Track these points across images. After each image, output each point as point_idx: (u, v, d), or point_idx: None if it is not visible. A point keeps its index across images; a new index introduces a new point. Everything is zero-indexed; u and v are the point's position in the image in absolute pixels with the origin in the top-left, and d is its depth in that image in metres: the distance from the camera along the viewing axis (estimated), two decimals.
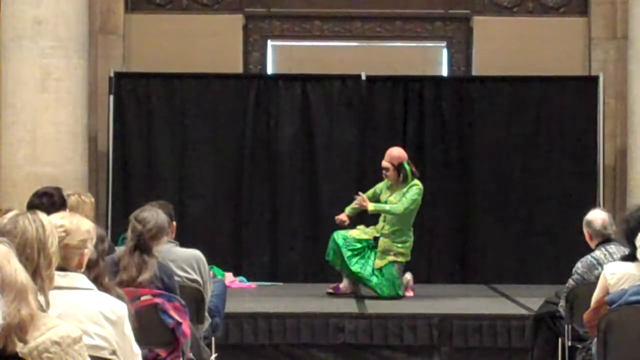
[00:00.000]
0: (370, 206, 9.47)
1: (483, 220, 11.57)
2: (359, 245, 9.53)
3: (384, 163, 9.56)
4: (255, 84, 11.66)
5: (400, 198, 9.46)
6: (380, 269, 9.50)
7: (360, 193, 9.63)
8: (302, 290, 10.28)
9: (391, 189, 9.58)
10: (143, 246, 5.50)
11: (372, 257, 9.54)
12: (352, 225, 9.72)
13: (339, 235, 9.56)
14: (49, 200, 6.15)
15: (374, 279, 9.50)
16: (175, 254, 6.25)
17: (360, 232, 9.60)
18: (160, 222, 5.65)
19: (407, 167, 9.51)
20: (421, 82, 11.67)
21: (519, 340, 8.32)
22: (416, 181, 9.54)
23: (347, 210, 9.69)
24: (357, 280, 9.64)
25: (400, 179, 9.49)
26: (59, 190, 6.66)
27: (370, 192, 9.74)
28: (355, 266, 9.48)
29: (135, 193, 11.09)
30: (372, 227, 9.66)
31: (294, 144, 11.58)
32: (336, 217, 9.65)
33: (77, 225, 3.84)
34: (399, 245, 9.54)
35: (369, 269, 9.50)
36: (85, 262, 3.90)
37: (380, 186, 9.73)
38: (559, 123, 11.55)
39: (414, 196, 9.45)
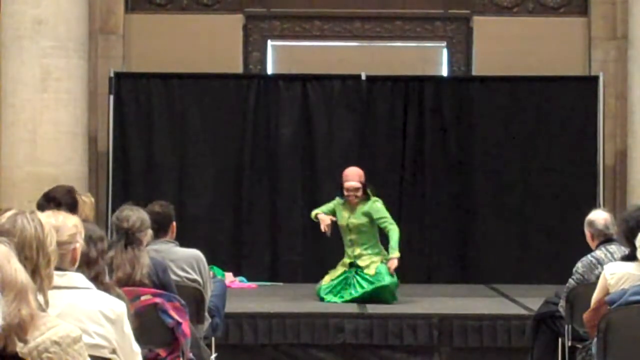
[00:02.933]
0: (396, 254, 9.01)
1: (483, 220, 11.56)
2: (339, 279, 9.29)
3: (355, 184, 9.09)
4: (255, 84, 11.67)
5: (365, 218, 9.13)
6: (373, 274, 9.21)
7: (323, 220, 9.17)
8: (302, 290, 10.27)
9: (346, 209, 9.20)
10: (133, 241, 5.57)
11: (357, 281, 9.24)
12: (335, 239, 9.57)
13: (321, 294, 9.34)
14: (56, 206, 6.01)
15: (371, 285, 9.19)
16: (175, 254, 6.27)
17: (334, 272, 9.40)
18: (142, 216, 5.78)
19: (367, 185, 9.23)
20: (421, 82, 11.67)
21: (519, 340, 8.32)
22: (376, 198, 9.24)
23: (319, 210, 9.28)
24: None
25: (368, 195, 9.15)
26: (70, 193, 6.46)
27: (325, 209, 9.32)
28: (351, 296, 9.23)
29: (135, 193, 11.07)
30: (341, 263, 9.41)
31: (294, 144, 11.58)
32: (323, 227, 9.16)
33: (64, 221, 3.85)
34: (380, 255, 9.29)
35: (361, 286, 9.23)
36: (81, 258, 3.90)
37: (334, 209, 9.29)
38: (559, 123, 11.55)
39: (385, 210, 9.16)
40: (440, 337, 8.57)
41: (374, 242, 9.34)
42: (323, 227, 9.21)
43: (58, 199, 6.18)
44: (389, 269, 9.10)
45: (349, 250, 9.35)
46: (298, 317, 8.62)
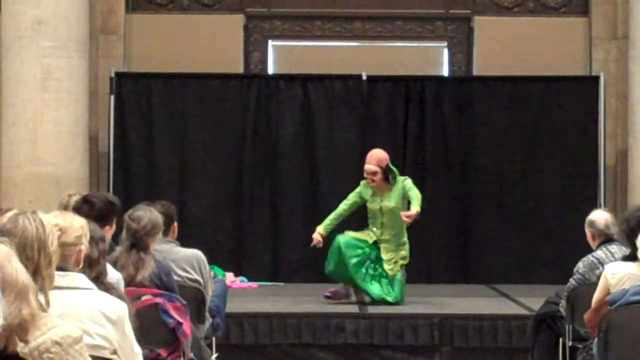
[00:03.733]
0: (417, 208, 8.68)
1: (483, 220, 11.56)
2: (360, 251, 9.11)
3: (372, 167, 8.95)
4: (256, 84, 11.67)
5: (397, 199, 9.00)
6: (392, 277, 9.17)
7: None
8: (303, 290, 10.28)
9: (377, 194, 9.04)
10: (139, 244, 5.54)
11: (372, 268, 9.15)
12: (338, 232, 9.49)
13: (339, 243, 9.04)
14: (89, 210, 5.66)
15: (381, 288, 9.14)
16: (176, 254, 6.26)
17: (361, 234, 9.19)
18: (154, 219, 5.70)
19: (392, 167, 9.06)
20: (422, 82, 11.67)
21: (520, 341, 8.32)
22: (404, 176, 9.11)
23: (322, 229, 9.09)
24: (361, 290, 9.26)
25: (389, 181, 8.98)
26: (111, 204, 5.79)
27: (352, 199, 9.18)
28: (359, 278, 9.08)
29: (136, 193, 11.07)
30: (367, 231, 9.25)
31: (295, 144, 11.58)
32: (315, 240, 9.07)
33: (71, 222, 3.85)
34: (403, 249, 9.22)
35: (372, 282, 9.14)
36: (83, 258, 3.90)
37: (360, 193, 9.16)
38: (559, 123, 11.55)
39: (415, 187, 8.94)
40: (441, 337, 8.57)
41: (402, 226, 9.10)
42: (315, 242, 9.11)
43: (93, 202, 5.82)
44: (407, 219, 8.77)
45: (377, 232, 9.14)
46: (299, 317, 8.62)
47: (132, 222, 5.61)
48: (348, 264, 9.08)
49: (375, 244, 9.19)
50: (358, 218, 9.49)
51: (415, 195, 8.85)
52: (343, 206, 9.20)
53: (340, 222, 9.26)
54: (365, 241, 9.16)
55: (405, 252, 9.25)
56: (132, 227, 5.59)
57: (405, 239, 9.26)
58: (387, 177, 9.00)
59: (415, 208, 8.71)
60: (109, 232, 5.48)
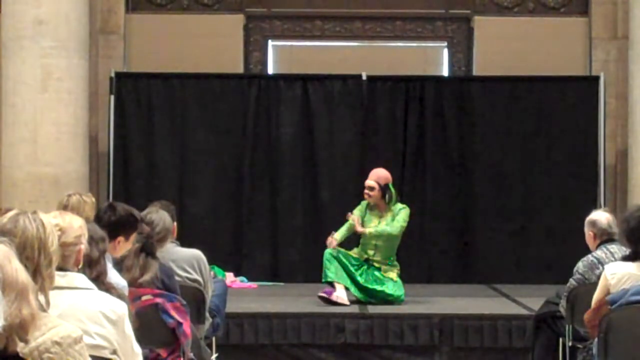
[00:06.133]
0: (368, 230, 9.05)
1: (483, 220, 11.56)
2: (355, 262, 9.18)
3: (370, 182, 9.07)
4: (255, 84, 11.67)
5: (391, 222, 9.10)
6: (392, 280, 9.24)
7: (350, 215, 9.18)
8: (303, 290, 10.27)
9: (375, 214, 9.13)
10: (149, 248, 5.52)
11: (371, 275, 9.18)
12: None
13: (334, 252, 9.10)
14: (111, 214, 5.50)
15: (383, 285, 9.20)
16: (176, 254, 6.27)
17: (352, 252, 9.28)
18: (167, 225, 5.73)
19: (392, 189, 9.11)
20: (422, 82, 11.67)
21: (520, 341, 8.32)
22: (404, 205, 9.20)
23: (338, 235, 9.18)
24: (363, 294, 9.22)
25: (385, 200, 9.07)
26: (132, 216, 5.47)
27: (357, 214, 9.23)
28: (361, 278, 9.15)
29: (136, 193, 11.09)
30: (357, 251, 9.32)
31: (295, 144, 11.58)
32: (329, 240, 9.14)
33: (70, 222, 3.86)
34: (394, 268, 9.27)
35: (374, 283, 9.19)
36: (82, 258, 3.90)
37: (360, 210, 9.23)
38: (559, 123, 11.56)
39: (406, 217, 9.09)
40: (441, 337, 8.57)
41: (391, 254, 9.27)
42: (329, 242, 9.15)
43: (117, 209, 5.62)
44: (357, 225, 9.06)
45: (370, 252, 9.24)
46: (299, 317, 8.63)
47: (146, 226, 5.59)
48: (348, 267, 9.14)
49: (367, 261, 9.26)
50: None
51: (394, 223, 9.03)
52: (349, 223, 9.27)
53: (350, 235, 9.32)
54: (357, 258, 9.24)
55: (396, 268, 9.31)
56: (146, 231, 5.56)
57: (396, 260, 9.33)
58: (384, 196, 9.07)
59: (367, 230, 9.00)
60: (122, 244, 5.31)
